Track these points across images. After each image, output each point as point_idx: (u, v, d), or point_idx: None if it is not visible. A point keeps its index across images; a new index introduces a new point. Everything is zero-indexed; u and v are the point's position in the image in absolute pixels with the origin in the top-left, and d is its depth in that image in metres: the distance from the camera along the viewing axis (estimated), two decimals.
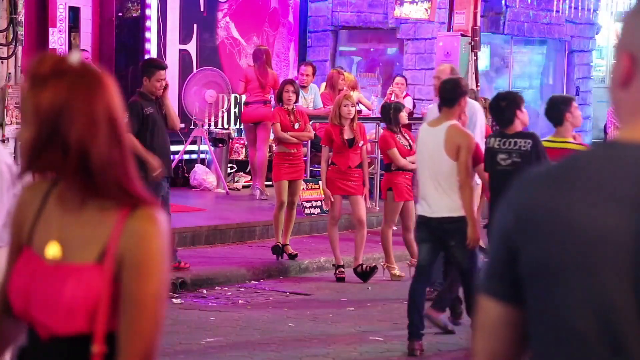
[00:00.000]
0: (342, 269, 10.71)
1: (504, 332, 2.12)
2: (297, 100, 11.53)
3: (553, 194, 2.01)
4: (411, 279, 8.13)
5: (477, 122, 9.26)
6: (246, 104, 14.44)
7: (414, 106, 15.63)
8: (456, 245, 7.61)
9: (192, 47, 15.38)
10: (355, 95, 13.69)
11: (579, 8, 17.32)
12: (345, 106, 10.62)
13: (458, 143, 7.60)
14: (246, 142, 15.42)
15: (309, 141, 13.31)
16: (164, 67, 10.09)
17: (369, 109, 14.84)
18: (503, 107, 7.86)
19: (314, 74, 14.65)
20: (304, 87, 14.21)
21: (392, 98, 14.71)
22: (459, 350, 7.86)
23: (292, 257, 11.14)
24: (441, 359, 7.67)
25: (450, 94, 7.72)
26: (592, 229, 1.95)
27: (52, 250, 2.56)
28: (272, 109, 12.08)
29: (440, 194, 7.67)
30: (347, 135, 10.61)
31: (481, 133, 9.17)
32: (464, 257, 7.61)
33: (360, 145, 10.78)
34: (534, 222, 2.02)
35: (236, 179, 15.30)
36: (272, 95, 13.74)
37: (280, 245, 11.07)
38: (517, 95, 8.18)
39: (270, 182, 12.64)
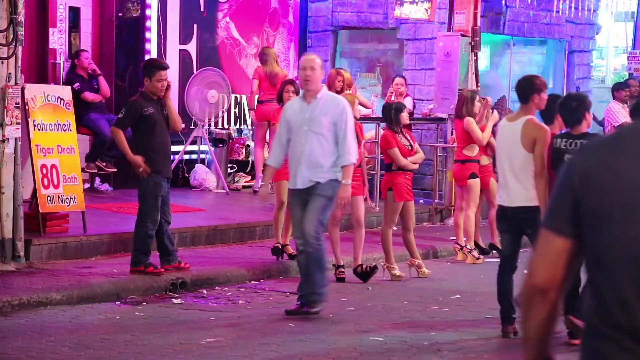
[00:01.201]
0: (342, 269, 10.71)
1: (562, 259, 2.87)
2: None
3: (607, 156, 2.76)
4: (497, 269, 8.67)
5: None
6: (260, 102, 14.52)
7: (414, 106, 15.63)
8: (532, 234, 8.04)
9: (192, 47, 15.38)
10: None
11: (579, 8, 17.31)
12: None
13: (534, 136, 8.15)
14: (247, 142, 15.42)
15: None
16: (165, 67, 10.10)
17: (368, 108, 14.83)
18: (573, 107, 8.16)
19: None
20: None
21: (392, 98, 14.72)
22: (459, 351, 7.86)
23: (292, 257, 11.13)
24: (441, 359, 7.66)
25: (525, 91, 8.32)
26: (635, 181, 2.69)
27: None
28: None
29: (517, 185, 8.22)
30: None
31: None
32: None
33: (361, 144, 10.81)
34: (592, 177, 2.76)
35: (236, 179, 15.30)
36: None
37: (280, 246, 11.07)
38: (587, 98, 8.49)
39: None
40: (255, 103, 14.73)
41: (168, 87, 9.92)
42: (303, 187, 8.80)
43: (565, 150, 8.04)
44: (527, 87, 8.34)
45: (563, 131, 8.53)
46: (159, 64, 10.29)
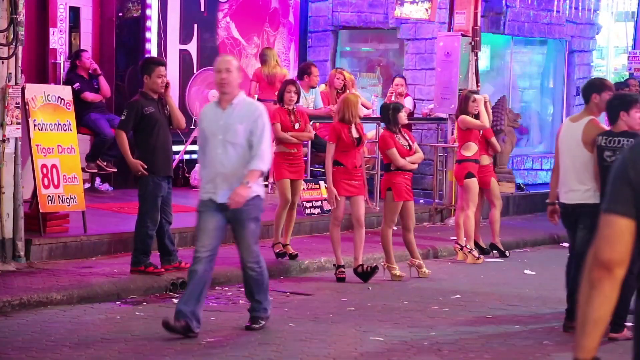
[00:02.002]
0: (343, 269, 10.71)
1: (625, 238, 3.27)
2: (297, 101, 11.55)
3: None
4: (568, 265, 8.84)
5: None
6: (259, 101, 14.58)
7: (414, 106, 15.63)
8: (582, 228, 8.41)
9: (192, 47, 15.38)
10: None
11: (580, 8, 17.30)
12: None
13: (594, 136, 8.42)
14: None
15: (309, 141, 13.33)
16: (163, 64, 10.13)
17: (368, 108, 14.84)
18: (614, 106, 8.42)
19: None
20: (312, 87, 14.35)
21: (393, 98, 14.72)
22: (459, 351, 7.86)
23: (293, 257, 11.14)
24: (441, 359, 7.66)
25: (585, 91, 8.70)
26: None
27: None
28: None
29: (578, 183, 8.51)
30: (354, 134, 10.62)
31: None
32: (585, 241, 8.13)
33: (364, 143, 10.84)
34: None
35: None
36: None
37: (282, 247, 11.08)
38: (629, 99, 8.65)
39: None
40: None
41: (167, 85, 9.93)
42: (223, 202, 7.95)
43: (605, 147, 8.35)
44: (587, 87, 8.72)
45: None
46: (156, 60, 10.33)
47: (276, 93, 14.22)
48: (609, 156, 8.31)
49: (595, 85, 8.72)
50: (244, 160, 7.92)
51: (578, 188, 8.52)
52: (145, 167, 9.73)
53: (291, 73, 16.54)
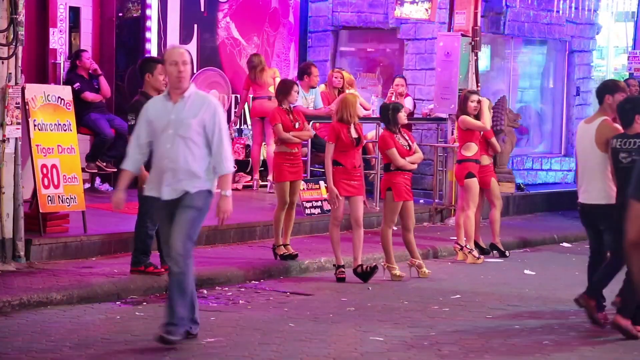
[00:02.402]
0: (343, 269, 10.71)
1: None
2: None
3: None
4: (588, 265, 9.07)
5: None
6: (253, 98, 14.71)
7: (414, 106, 15.63)
8: (605, 230, 8.63)
9: (192, 47, 15.37)
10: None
11: (580, 8, 17.30)
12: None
13: (607, 137, 8.60)
14: (247, 142, 15.46)
15: (309, 141, 13.34)
16: (163, 62, 10.12)
17: (366, 109, 14.85)
18: (627, 109, 8.59)
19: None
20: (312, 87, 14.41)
21: (393, 99, 14.72)
22: (459, 351, 7.86)
23: (293, 257, 11.14)
24: (441, 359, 7.66)
25: (599, 92, 8.96)
26: None
27: None
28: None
29: (593, 184, 8.71)
30: (353, 134, 10.62)
31: None
32: (613, 240, 8.39)
33: (363, 144, 10.84)
34: None
35: (236, 179, 15.30)
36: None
37: (284, 249, 11.09)
38: None
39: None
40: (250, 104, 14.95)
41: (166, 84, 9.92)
42: (170, 199, 7.58)
43: (620, 149, 8.50)
44: (601, 89, 8.95)
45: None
46: (157, 59, 10.33)
47: (271, 89, 14.28)
48: (624, 157, 8.45)
49: (609, 87, 8.92)
50: (194, 156, 7.52)
51: (592, 188, 8.72)
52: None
53: (291, 73, 16.56)
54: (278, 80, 12.84)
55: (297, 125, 11.20)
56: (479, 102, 12.35)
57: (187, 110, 7.57)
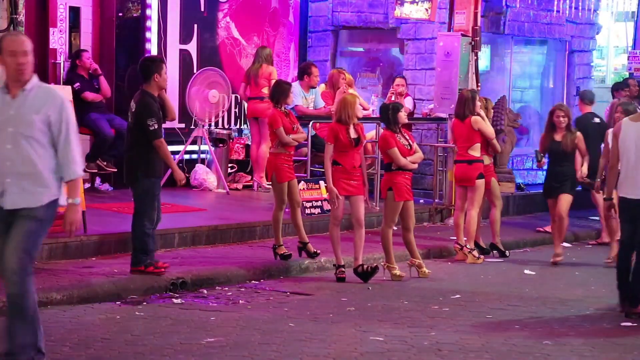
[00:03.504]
0: (343, 269, 10.71)
1: None
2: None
3: None
4: (618, 258, 9.58)
5: None
6: (249, 99, 14.71)
7: (414, 106, 15.63)
8: None
9: (192, 47, 15.38)
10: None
11: (580, 8, 17.31)
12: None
13: None
14: (247, 142, 15.48)
15: (309, 141, 13.34)
16: (164, 61, 10.21)
17: (365, 109, 14.83)
18: None
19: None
20: (312, 87, 14.40)
21: (393, 99, 14.72)
22: (459, 351, 7.86)
23: (286, 257, 11.11)
24: (441, 359, 7.67)
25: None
26: None
27: None
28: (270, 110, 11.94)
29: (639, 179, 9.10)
30: (352, 134, 10.61)
31: None
32: None
33: (363, 144, 10.83)
34: None
35: (237, 179, 15.30)
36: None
37: (285, 249, 11.08)
38: None
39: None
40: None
41: None
42: (12, 208, 6.55)
43: None
44: None
45: None
46: (160, 58, 10.36)
47: (264, 90, 14.23)
48: None
49: None
50: (39, 157, 6.56)
51: None
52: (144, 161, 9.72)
53: (291, 73, 16.56)
54: (274, 81, 12.80)
55: (294, 128, 11.20)
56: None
57: (29, 105, 6.57)
